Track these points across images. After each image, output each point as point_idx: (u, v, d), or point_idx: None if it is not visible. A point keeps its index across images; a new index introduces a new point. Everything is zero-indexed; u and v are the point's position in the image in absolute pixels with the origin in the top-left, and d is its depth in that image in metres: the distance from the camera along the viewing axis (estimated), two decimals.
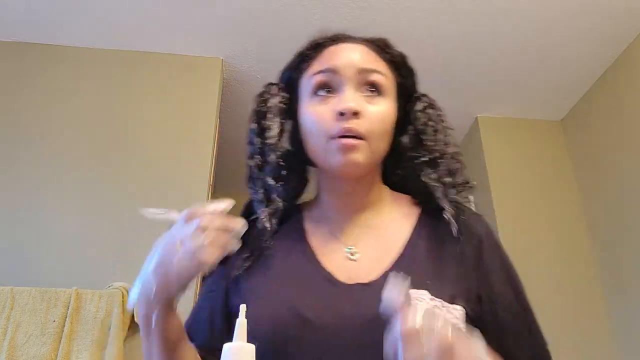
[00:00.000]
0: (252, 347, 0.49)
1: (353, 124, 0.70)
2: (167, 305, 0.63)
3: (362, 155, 0.71)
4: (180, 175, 2.16)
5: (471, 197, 3.14)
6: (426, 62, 2.54)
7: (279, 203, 0.78)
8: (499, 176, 2.80)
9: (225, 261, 0.77)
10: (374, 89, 0.76)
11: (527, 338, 0.70)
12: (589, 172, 2.70)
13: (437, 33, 2.36)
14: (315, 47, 0.80)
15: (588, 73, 2.61)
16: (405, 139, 0.81)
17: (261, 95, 0.82)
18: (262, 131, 0.78)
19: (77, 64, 2.40)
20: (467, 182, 0.76)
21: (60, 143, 2.20)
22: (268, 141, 0.77)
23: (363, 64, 0.76)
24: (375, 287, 0.66)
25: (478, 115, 2.95)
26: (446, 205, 0.73)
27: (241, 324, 0.50)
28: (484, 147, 2.86)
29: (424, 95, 0.85)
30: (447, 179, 0.75)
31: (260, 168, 0.77)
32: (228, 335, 0.70)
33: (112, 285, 1.84)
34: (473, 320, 0.66)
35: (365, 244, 0.75)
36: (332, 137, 0.71)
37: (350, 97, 0.72)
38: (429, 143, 0.77)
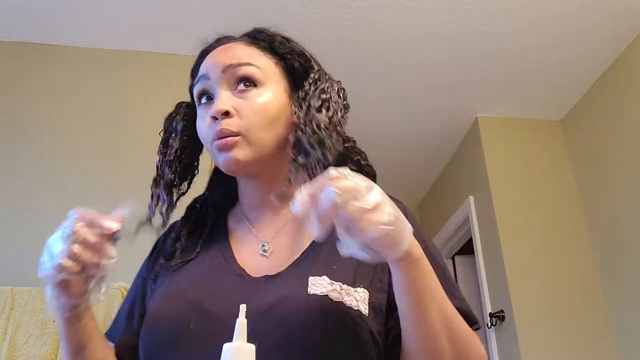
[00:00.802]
0: (252, 347, 0.49)
1: (224, 125, 0.71)
2: (65, 309, 0.63)
3: (241, 151, 0.71)
4: None
5: (471, 197, 3.14)
6: (426, 62, 2.54)
7: (198, 208, 0.84)
8: (499, 176, 2.80)
9: (151, 263, 0.81)
10: (248, 82, 0.74)
11: (453, 302, 0.65)
12: (588, 171, 2.70)
13: (437, 33, 2.36)
14: (198, 60, 0.82)
15: (588, 73, 2.61)
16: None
17: (168, 117, 0.85)
18: (164, 147, 0.81)
19: (77, 64, 2.40)
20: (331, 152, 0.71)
21: (60, 143, 2.20)
22: (166, 159, 0.80)
23: (227, 60, 0.75)
24: (280, 278, 0.68)
25: (478, 115, 2.95)
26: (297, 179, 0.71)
27: (241, 324, 0.50)
28: (484, 147, 2.86)
29: (316, 71, 0.80)
30: (313, 152, 0.70)
31: (158, 181, 0.80)
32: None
33: (111, 285, 1.84)
34: (374, 305, 0.66)
35: (279, 239, 0.75)
36: (213, 141, 0.72)
37: (221, 100, 0.72)
38: (302, 126, 0.72)
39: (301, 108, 0.75)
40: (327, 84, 0.78)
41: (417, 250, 0.58)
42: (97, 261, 0.60)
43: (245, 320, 0.51)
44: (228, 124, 0.71)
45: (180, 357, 0.63)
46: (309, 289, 0.63)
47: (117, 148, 2.21)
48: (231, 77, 0.74)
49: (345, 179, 0.51)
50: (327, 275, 0.65)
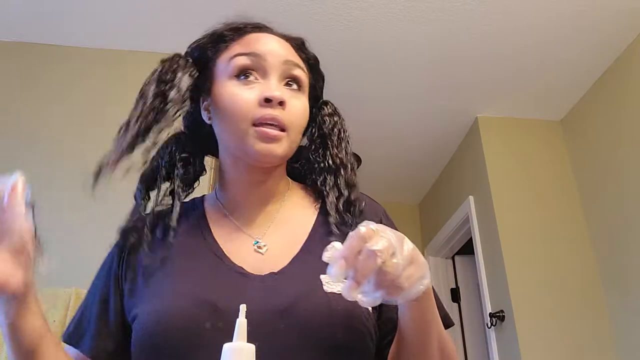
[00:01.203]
0: (252, 347, 0.49)
1: (278, 113, 0.69)
2: (10, 304, 0.58)
3: (282, 147, 0.70)
4: None
5: (471, 197, 3.14)
6: (426, 63, 2.54)
7: (169, 199, 0.77)
8: (499, 176, 2.80)
9: (118, 263, 0.75)
10: (296, 83, 0.74)
11: None
12: (588, 171, 2.70)
13: (437, 33, 2.36)
14: (236, 30, 0.78)
15: (588, 73, 2.61)
16: (305, 138, 0.82)
17: (169, 63, 0.77)
18: (160, 102, 0.73)
19: (77, 64, 2.40)
20: (358, 200, 0.76)
21: (60, 143, 2.20)
22: (167, 107, 0.72)
23: (288, 56, 0.75)
24: (287, 275, 0.67)
25: (478, 115, 2.95)
26: (333, 212, 0.74)
27: (241, 324, 0.50)
28: (484, 147, 2.86)
29: (329, 102, 0.86)
30: (345, 191, 0.76)
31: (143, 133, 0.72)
32: (123, 340, 0.68)
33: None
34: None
35: (273, 236, 0.74)
36: (255, 124, 0.68)
37: (275, 86, 0.71)
38: (333, 150, 0.78)
39: (331, 139, 0.80)
40: (343, 119, 0.83)
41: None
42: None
43: (245, 320, 0.51)
44: (282, 115, 0.69)
45: (196, 357, 0.61)
46: (324, 287, 0.63)
47: None
48: (286, 71, 0.74)
49: (378, 236, 0.50)
50: None
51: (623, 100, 2.45)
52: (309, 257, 0.69)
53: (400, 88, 2.73)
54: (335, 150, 0.79)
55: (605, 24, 2.31)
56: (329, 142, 0.79)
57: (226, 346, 0.49)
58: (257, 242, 0.73)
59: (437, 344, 0.63)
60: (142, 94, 0.76)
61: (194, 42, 0.81)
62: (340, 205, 0.75)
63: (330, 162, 0.78)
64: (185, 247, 0.73)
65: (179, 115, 0.73)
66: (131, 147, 0.72)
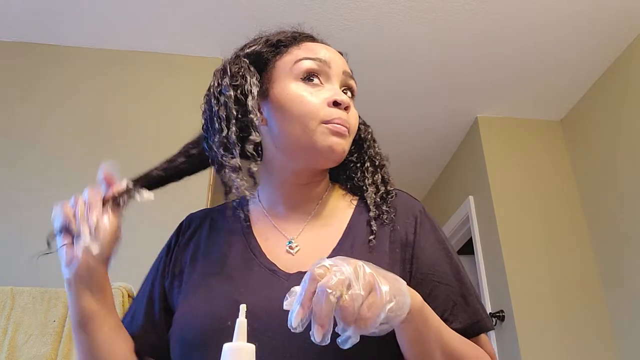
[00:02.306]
0: (252, 347, 0.49)
1: (345, 117, 0.74)
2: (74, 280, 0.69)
3: (347, 144, 0.75)
4: None
5: (471, 197, 3.14)
6: (427, 63, 2.54)
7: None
8: (499, 176, 2.80)
9: (168, 255, 0.81)
10: (350, 92, 0.80)
11: (464, 306, 0.70)
12: (588, 171, 2.70)
13: (437, 33, 2.36)
14: (292, 38, 0.81)
15: (588, 73, 2.61)
16: None
17: (237, 64, 0.78)
18: (240, 106, 0.74)
19: (77, 64, 2.40)
20: (394, 191, 0.81)
21: (60, 143, 2.20)
22: (251, 117, 0.73)
23: (346, 67, 0.81)
24: None
25: (478, 115, 2.95)
26: (372, 205, 0.78)
27: (241, 324, 0.50)
28: (484, 147, 2.86)
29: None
30: (382, 187, 0.80)
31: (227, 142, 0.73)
32: (166, 332, 0.72)
33: (111, 285, 1.84)
34: None
35: (307, 236, 0.76)
36: (325, 122, 0.72)
37: (340, 91, 0.76)
38: (371, 152, 0.84)
39: (367, 141, 0.86)
40: (371, 130, 0.89)
41: (417, 300, 0.58)
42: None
43: (245, 320, 0.51)
44: (348, 118, 0.74)
45: (217, 354, 0.62)
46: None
47: (118, 148, 2.21)
48: (344, 81, 0.79)
49: (328, 272, 0.50)
50: None
51: (623, 100, 2.45)
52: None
53: (400, 88, 2.73)
54: (372, 151, 0.84)
55: (605, 24, 2.31)
56: (364, 144, 0.85)
57: (226, 346, 0.49)
58: (290, 242, 0.75)
59: (440, 352, 0.62)
60: (217, 101, 0.76)
61: (245, 47, 0.82)
62: (379, 199, 0.78)
63: (370, 162, 0.83)
64: (227, 242, 0.77)
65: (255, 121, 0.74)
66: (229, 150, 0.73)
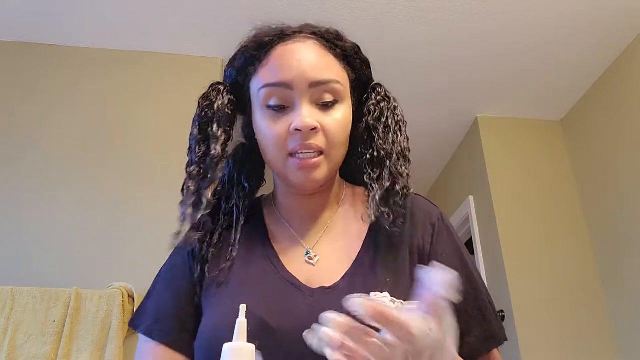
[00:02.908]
0: (252, 347, 0.49)
1: (312, 140, 0.67)
2: None
3: (322, 171, 0.69)
4: (180, 175, 2.15)
5: (471, 197, 3.13)
6: (427, 63, 2.54)
7: (233, 206, 0.77)
8: (499, 176, 2.80)
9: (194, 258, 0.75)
10: (330, 96, 0.71)
11: (480, 319, 0.68)
12: (588, 171, 2.70)
13: (437, 33, 2.36)
14: (262, 47, 0.74)
15: (588, 73, 2.61)
16: (358, 131, 0.78)
17: (206, 97, 0.75)
18: (205, 139, 0.72)
19: (77, 64, 2.40)
20: (406, 188, 0.72)
21: (61, 143, 2.20)
22: (212, 152, 0.70)
23: (316, 75, 0.70)
24: (338, 290, 0.66)
25: (478, 115, 2.95)
26: (373, 208, 0.70)
27: (241, 324, 0.50)
28: (484, 147, 2.86)
29: (379, 85, 0.83)
30: (387, 184, 0.71)
31: (199, 179, 0.72)
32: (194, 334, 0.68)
33: (112, 285, 1.84)
34: None
35: (324, 247, 0.73)
36: (291, 155, 0.68)
37: (305, 113, 0.68)
38: (378, 141, 0.75)
39: (377, 129, 0.75)
40: (393, 102, 0.79)
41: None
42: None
43: (245, 320, 0.51)
44: (317, 140, 0.68)
45: None
46: None
47: (118, 148, 2.21)
48: (316, 92, 0.70)
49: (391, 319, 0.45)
50: (388, 292, 0.63)
51: (623, 100, 2.45)
52: (361, 271, 0.68)
53: (400, 88, 2.73)
54: (380, 141, 0.74)
55: (605, 24, 2.31)
56: (375, 134, 0.76)
57: (226, 346, 0.49)
58: (309, 252, 0.72)
59: None
60: (189, 142, 0.74)
61: (228, 64, 0.79)
62: (379, 199, 0.70)
63: (375, 154, 0.74)
64: (246, 252, 0.73)
65: (223, 150, 0.72)
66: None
